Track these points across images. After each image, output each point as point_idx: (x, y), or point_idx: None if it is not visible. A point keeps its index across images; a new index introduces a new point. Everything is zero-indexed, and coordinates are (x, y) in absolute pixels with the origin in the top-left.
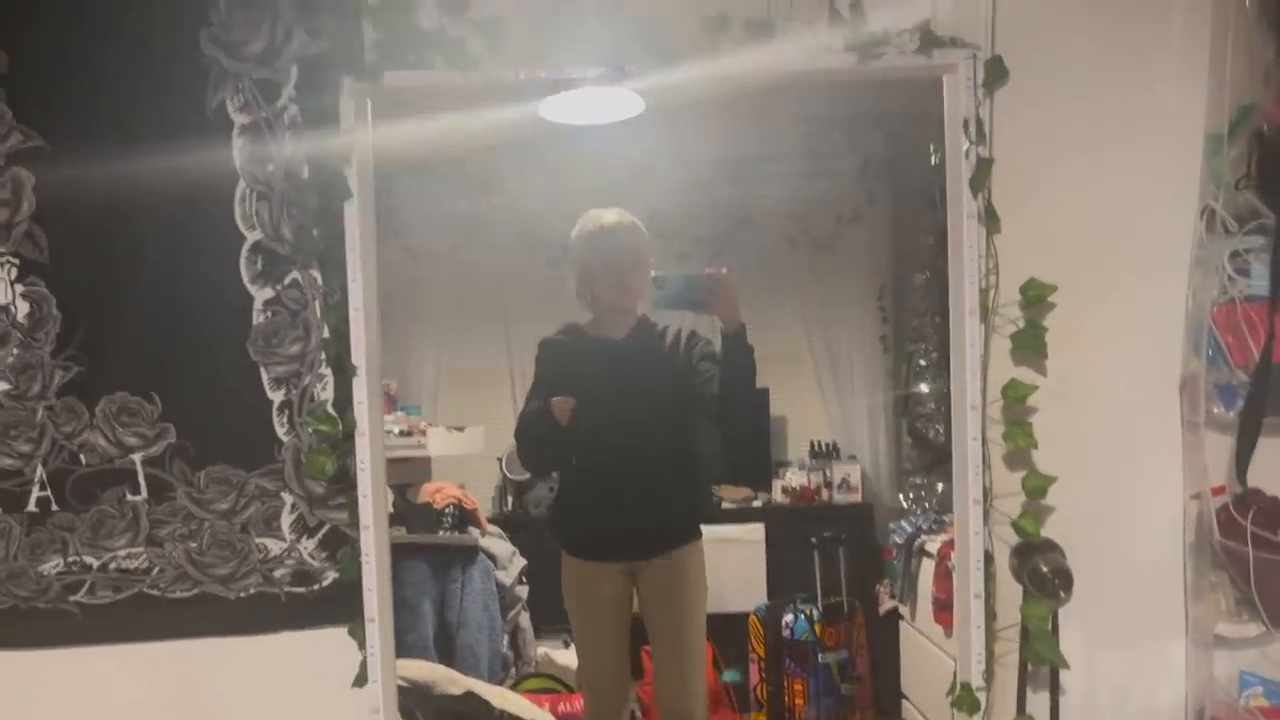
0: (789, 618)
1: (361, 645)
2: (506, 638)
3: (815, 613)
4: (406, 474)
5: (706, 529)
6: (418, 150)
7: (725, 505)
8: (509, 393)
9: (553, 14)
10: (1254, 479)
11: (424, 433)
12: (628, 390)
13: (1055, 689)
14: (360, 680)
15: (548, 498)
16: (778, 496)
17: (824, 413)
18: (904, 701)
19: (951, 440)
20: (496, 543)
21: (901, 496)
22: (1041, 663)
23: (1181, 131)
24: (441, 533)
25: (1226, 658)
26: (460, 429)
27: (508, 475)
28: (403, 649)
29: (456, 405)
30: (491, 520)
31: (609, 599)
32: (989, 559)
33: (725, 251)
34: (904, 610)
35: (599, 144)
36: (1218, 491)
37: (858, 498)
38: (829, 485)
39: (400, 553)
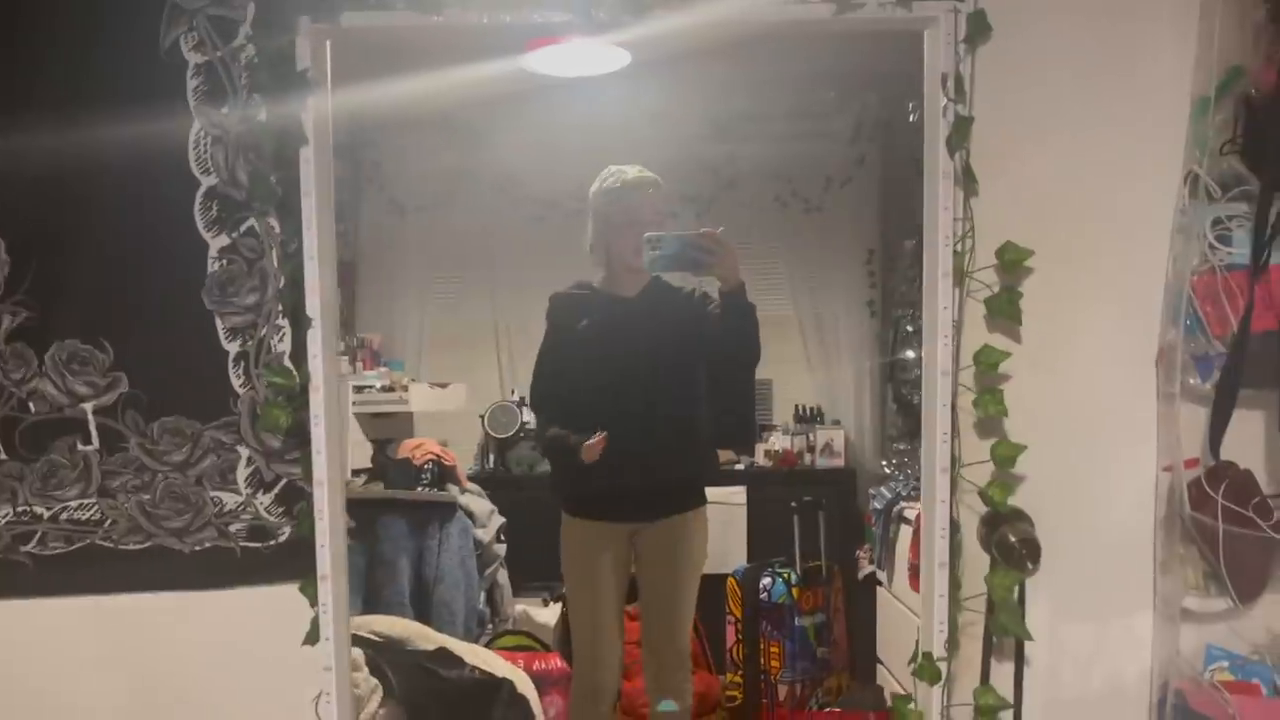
0: (767, 580)
1: (313, 603)
2: (483, 595)
3: (793, 576)
4: (388, 429)
5: None
6: (399, 103)
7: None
8: (494, 349)
9: None
10: (1227, 452)
11: (406, 388)
12: (639, 349)
13: (1020, 660)
14: (311, 637)
15: (530, 456)
16: (760, 460)
17: (809, 377)
18: (879, 666)
19: None
20: (475, 500)
21: (884, 463)
22: (1006, 634)
23: (1167, 94)
24: (420, 489)
25: (1193, 632)
26: (443, 385)
27: (490, 433)
28: (379, 604)
29: (441, 361)
30: (473, 479)
31: (609, 561)
32: (955, 528)
33: (713, 211)
34: (881, 576)
35: (586, 99)
36: (1190, 464)
37: (841, 463)
38: (812, 450)
39: (378, 508)
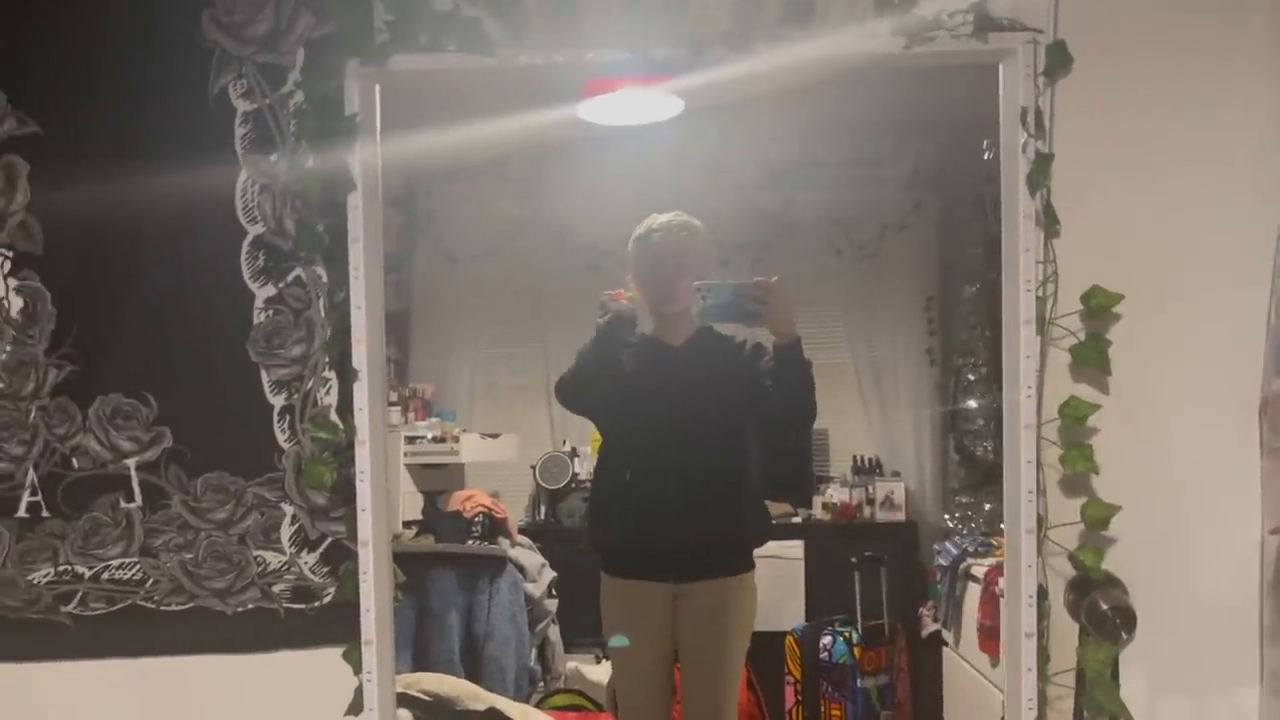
0: (827, 639)
1: (357, 670)
2: (534, 651)
3: (855, 635)
4: (439, 480)
5: None
6: (453, 152)
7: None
8: (545, 399)
9: None
10: None
11: (457, 439)
12: (682, 399)
13: None
14: (355, 708)
15: (581, 508)
16: (818, 513)
17: (867, 427)
18: None
19: (1002, 460)
20: (526, 554)
21: (947, 516)
22: (1100, 712)
23: (1262, 123)
24: (470, 542)
25: None
26: (494, 436)
27: (541, 484)
28: (428, 661)
29: (492, 412)
30: (524, 530)
31: (651, 620)
32: (1043, 594)
33: (767, 259)
34: (948, 636)
35: (640, 147)
36: None
37: (901, 516)
38: (871, 502)
39: (428, 562)
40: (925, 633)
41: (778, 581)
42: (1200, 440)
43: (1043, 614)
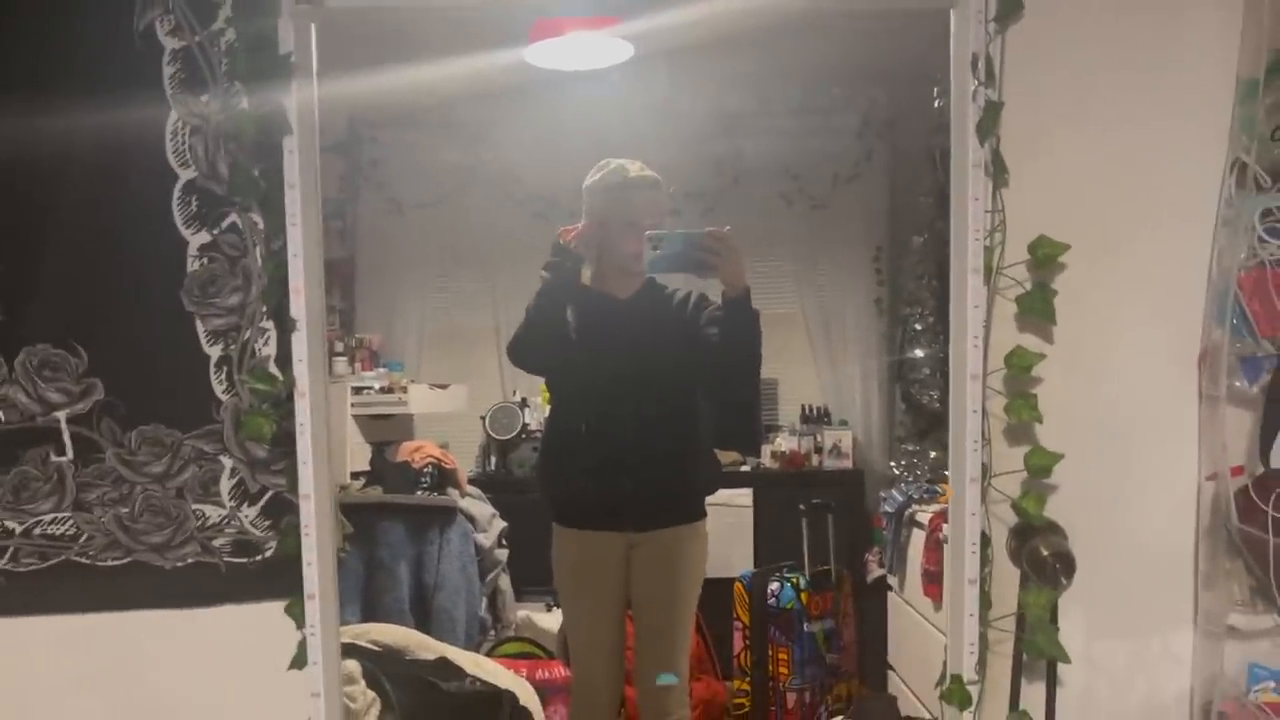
0: (775, 585)
1: (300, 624)
2: (485, 601)
3: (802, 581)
4: (388, 431)
5: None
6: (397, 97)
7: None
8: (495, 350)
9: None
10: (1277, 460)
11: (405, 390)
12: (630, 351)
13: (1052, 682)
14: (299, 661)
15: (532, 458)
16: (767, 461)
17: (816, 376)
18: (890, 673)
19: (947, 408)
20: (476, 504)
21: (893, 464)
22: (1040, 655)
23: (1212, 77)
24: (419, 493)
25: (1237, 650)
26: (443, 386)
27: (491, 435)
28: (379, 611)
29: (441, 362)
30: (474, 481)
31: (604, 570)
32: (985, 541)
33: (718, 209)
34: (892, 580)
35: (588, 93)
36: (1236, 472)
37: (849, 464)
38: (819, 451)
39: (376, 513)
40: (871, 578)
41: (727, 529)
42: (1141, 389)
43: (985, 561)
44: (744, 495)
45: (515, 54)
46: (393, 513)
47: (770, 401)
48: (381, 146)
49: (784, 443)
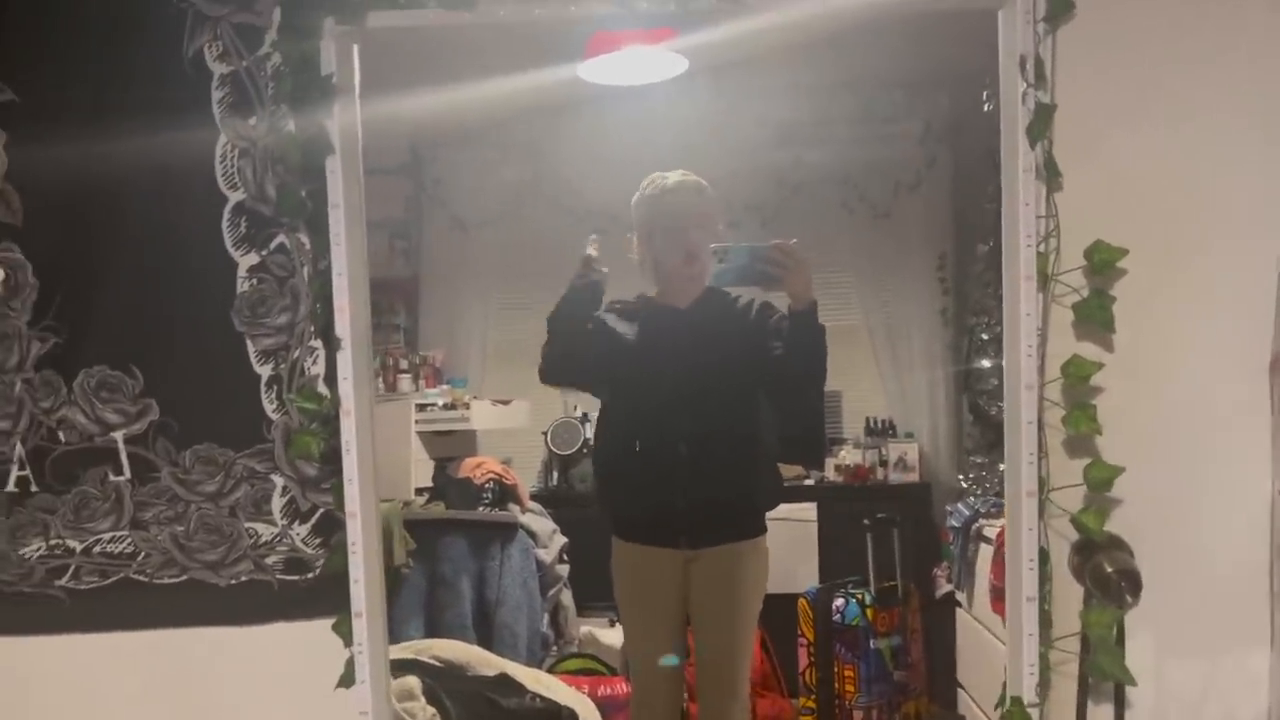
0: (840, 601)
1: (347, 642)
2: (547, 616)
3: (868, 596)
4: (452, 447)
5: None
6: (453, 115)
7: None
8: None
9: None
10: None
11: (468, 405)
12: (690, 362)
13: (1120, 704)
14: (346, 680)
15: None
16: (831, 475)
17: (880, 388)
18: (959, 690)
19: None
20: (537, 520)
21: (960, 477)
22: (1104, 677)
23: (1272, 77)
24: (481, 509)
25: None
26: (505, 402)
27: (553, 450)
28: (441, 627)
29: (504, 378)
30: (536, 496)
31: (663, 585)
32: (1044, 558)
33: (778, 219)
34: (960, 597)
35: (644, 108)
36: None
37: (915, 477)
38: (885, 464)
39: (439, 528)
40: (939, 594)
41: (790, 544)
42: (1208, 398)
43: (1044, 578)
44: (808, 509)
45: (570, 69)
46: (455, 529)
47: (834, 414)
48: (443, 165)
49: (848, 456)
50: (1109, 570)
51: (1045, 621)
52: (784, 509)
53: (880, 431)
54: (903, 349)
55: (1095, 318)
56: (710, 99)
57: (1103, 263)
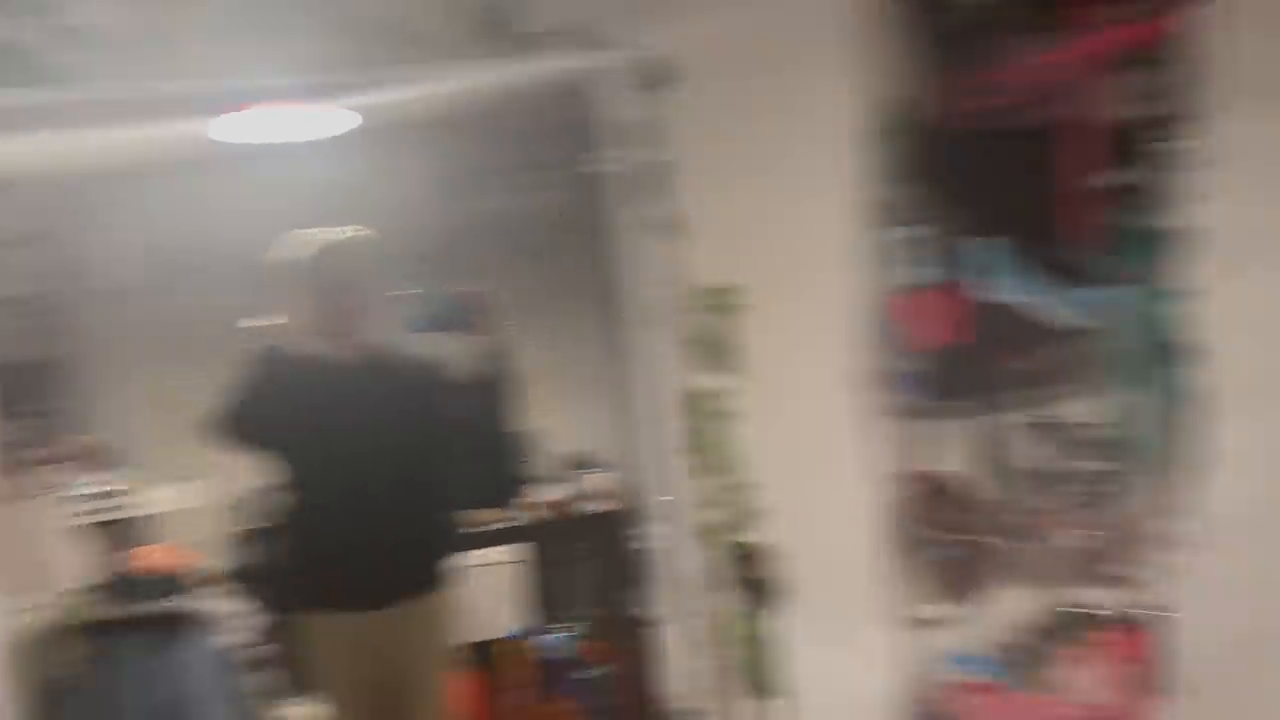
0: (549, 638)
1: None
2: (240, 704)
3: (576, 629)
4: (119, 537)
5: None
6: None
7: (481, 528)
8: None
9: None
10: (934, 462)
11: (129, 491)
12: (359, 419)
13: (769, 695)
14: None
15: (279, 547)
16: (529, 513)
17: (575, 422)
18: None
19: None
20: (221, 603)
21: (656, 499)
22: (757, 673)
23: (840, 132)
24: (160, 600)
25: (933, 639)
26: (177, 481)
27: (237, 526)
28: None
29: (177, 455)
30: (221, 577)
31: (350, 653)
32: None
33: (450, 267)
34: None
35: (313, 165)
36: (906, 478)
37: (615, 505)
38: (584, 496)
39: (111, 629)
40: (644, 619)
41: (492, 588)
42: (820, 412)
43: (701, 593)
44: (508, 551)
45: (192, 126)
46: (129, 626)
47: (529, 452)
48: (79, 233)
49: (545, 492)
50: (753, 578)
51: (703, 632)
52: (485, 553)
53: (579, 465)
54: (588, 384)
55: (714, 352)
56: (382, 154)
57: (716, 302)
